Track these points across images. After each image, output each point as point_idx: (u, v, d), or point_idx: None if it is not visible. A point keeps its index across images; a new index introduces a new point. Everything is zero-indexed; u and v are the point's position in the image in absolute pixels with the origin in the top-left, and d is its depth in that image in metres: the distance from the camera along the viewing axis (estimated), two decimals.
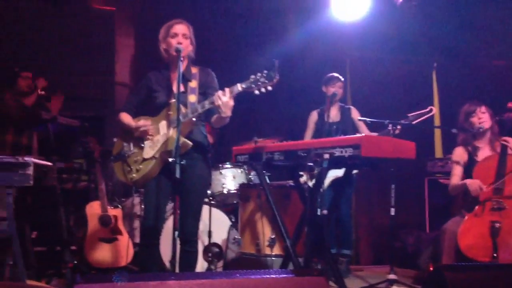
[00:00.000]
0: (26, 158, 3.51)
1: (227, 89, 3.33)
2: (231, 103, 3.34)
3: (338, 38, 6.39)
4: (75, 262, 4.92)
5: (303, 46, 6.63)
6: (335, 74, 5.43)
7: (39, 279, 4.55)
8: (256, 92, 3.26)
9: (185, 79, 3.61)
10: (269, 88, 3.23)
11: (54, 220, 4.89)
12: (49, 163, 3.98)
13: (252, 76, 3.26)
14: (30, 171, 3.46)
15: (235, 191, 5.26)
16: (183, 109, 3.45)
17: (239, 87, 3.30)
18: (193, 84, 3.63)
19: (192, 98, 3.57)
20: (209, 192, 5.12)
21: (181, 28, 3.62)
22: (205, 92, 3.63)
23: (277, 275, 2.87)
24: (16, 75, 5.17)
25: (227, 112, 3.36)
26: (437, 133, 6.57)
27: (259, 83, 3.23)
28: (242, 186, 5.11)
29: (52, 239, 5.13)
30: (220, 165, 5.38)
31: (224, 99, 3.31)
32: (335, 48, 6.49)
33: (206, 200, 4.95)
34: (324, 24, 6.24)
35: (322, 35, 6.42)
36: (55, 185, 4.57)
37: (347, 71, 6.41)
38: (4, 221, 3.63)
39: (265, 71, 3.23)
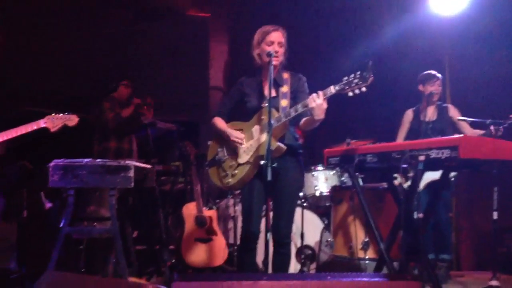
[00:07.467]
0: (128, 162, 3.70)
1: (320, 92, 3.30)
2: (325, 105, 3.30)
3: (436, 34, 6.16)
4: (173, 261, 5.12)
5: (398, 43, 6.46)
6: (433, 72, 5.23)
7: (139, 276, 4.76)
8: (350, 94, 3.21)
9: (277, 84, 3.64)
10: (363, 89, 3.16)
11: (153, 220, 5.09)
12: (149, 166, 4.14)
13: (345, 78, 3.21)
14: (132, 173, 3.64)
15: (328, 193, 5.22)
16: (275, 113, 3.48)
17: (332, 89, 3.26)
18: (285, 89, 3.64)
19: (284, 102, 3.58)
20: (301, 194, 5.13)
21: (277, 36, 3.63)
22: (295, 97, 3.63)
23: (369, 279, 2.83)
24: (116, 85, 5.44)
25: (320, 115, 3.33)
26: None
27: (353, 84, 3.17)
28: (334, 188, 5.06)
29: (151, 239, 5.32)
30: (313, 167, 5.38)
31: (318, 101, 3.28)
32: (433, 44, 6.25)
33: (299, 202, 4.95)
34: (421, 20, 6.04)
35: (419, 31, 6.22)
36: (154, 187, 4.75)
37: (446, 68, 6.14)
38: (108, 221, 3.85)
39: (359, 72, 3.17)
